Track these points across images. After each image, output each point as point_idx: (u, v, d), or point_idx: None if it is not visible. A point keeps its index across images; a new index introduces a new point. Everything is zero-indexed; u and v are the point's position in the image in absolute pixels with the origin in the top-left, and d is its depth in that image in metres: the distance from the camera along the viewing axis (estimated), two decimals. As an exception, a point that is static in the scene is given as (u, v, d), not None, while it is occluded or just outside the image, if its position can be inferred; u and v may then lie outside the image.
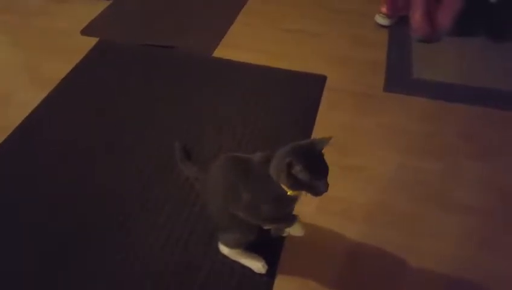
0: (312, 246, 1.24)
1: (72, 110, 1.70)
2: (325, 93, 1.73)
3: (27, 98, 1.75)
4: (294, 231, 1.08)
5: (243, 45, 2.00)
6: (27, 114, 1.67)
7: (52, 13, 2.25)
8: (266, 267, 1.17)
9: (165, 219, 1.31)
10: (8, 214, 1.35)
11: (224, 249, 1.18)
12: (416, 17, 2.06)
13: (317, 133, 1.56)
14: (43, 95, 1.75)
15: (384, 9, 2.05)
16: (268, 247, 1.20)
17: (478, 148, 1.49)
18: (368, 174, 1.43)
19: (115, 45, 2.01)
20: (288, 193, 0.92)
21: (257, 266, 1.16)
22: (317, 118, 1.63)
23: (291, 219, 1.06)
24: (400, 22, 2.07)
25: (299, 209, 1.05)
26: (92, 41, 2.03)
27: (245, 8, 2.23)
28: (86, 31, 2.09)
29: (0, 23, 2.21)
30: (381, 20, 2.07)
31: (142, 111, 1.67)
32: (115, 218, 1.31)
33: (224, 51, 1.97)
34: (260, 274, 1.17)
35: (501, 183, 1.38)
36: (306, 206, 1.23)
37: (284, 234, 1.23)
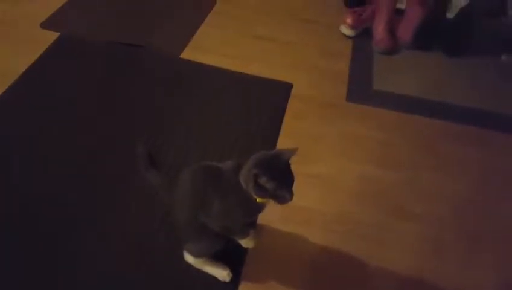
0: (276, 254, 1.27)
1: (29, 107, 1.62)
2: (291, 101, 1.76)
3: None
4: (246, 243, 1.13)
5: (211, 48, 1.99)
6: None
7: (10, 1, 2.13)
8: (231, 275, 1.18)
9: (131, 222, 1.28)
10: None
11: (189, 258, 1.18)
12: (379, 29, 2.16)
13: (282, 140, 1.59)
14: (-1, 89, 1.66)
15: (349, 20, 2.11)
16: (232, 255, 1.21)
17: (435, 159, 1.57)
18: (330, 183, 1.47)
19: (78, 40, 1.93)
20: (258, 200, 0.96)
21: (222, 274, 1.17)
22: (282, 125, 1.65)
23: (246, 231, 1.11)
24: (363, 33, 2.13)
25: (263, 217, 1.07)
26: (52, 35, 1.94)
27: (215, 9, 2.22)
28: (46, 24, 2.00)
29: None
30: (345, 30, 2.13)
31: (102, 111, 1.62)
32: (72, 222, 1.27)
33: (192, 53, 1.95)
34: (224, 282, 1.17)
35: (454, 193, 1.47)
36: (270, 215, 1.24)
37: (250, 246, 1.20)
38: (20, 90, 1.68)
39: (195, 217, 1.03)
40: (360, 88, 1.84)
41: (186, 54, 1.94)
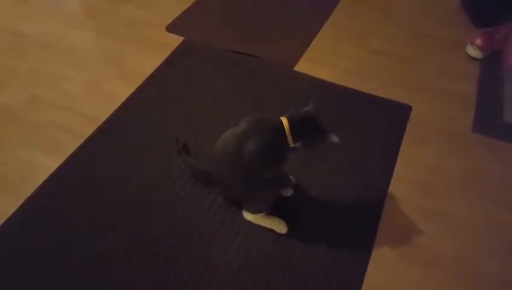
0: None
1: (159, 109, 1.73)
2: (409, 126, 1.67)
3: (114, 90, 1.80)
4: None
5: (325, 60, 1.96)
6: (116, 108, 1.72)
7: (138, 3, 2.29)
8: (287, 227, 1.31)
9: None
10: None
11: (248, 216, 1.33)
12: (514, 54, 1.89)
13: (399, 169, 1.52)
14: (129, 88, 1.80)
15: (478, 42, 1.94)
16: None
17: None
18: (451, 221, 1.37)
19: (200, 46, 2.02)
20: (291, 146, 1.14)
21: (279, 226, 1.31)
22: (400, 151, 1.57)
23: (288, 178, 1.40)
24: (492, 56, 1.96)
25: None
26: (177, 39, 2.05)
27: (330, 21, 2.18)
28: (171, 28, 2.12)
29: (89, 7, 2.28)
30: (473, 52, 1.96)
31: (227, 119, 1.68)
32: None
33: (307, 65, 1.94)
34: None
35: None
36: (388, 249, 1.20)
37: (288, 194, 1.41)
38: (151, 89, 1.81)
39: (241, 172, 1.18)
40: (489, 119, 1.69)
41: (301, 66, 1.93)
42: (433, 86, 1.84)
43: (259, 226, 1.34)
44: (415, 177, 1.49)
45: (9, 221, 1.37)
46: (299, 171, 1.48)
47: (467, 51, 1.98)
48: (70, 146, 1.57)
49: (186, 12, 2.23)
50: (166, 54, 1.97)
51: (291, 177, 1.43)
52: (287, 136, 1.14)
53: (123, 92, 1.79)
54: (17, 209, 1.40)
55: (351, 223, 1.36)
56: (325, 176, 1.49)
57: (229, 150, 1.20)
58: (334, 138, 1.16)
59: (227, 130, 1.25)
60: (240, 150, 1.16)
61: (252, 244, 1.31)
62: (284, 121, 1.15)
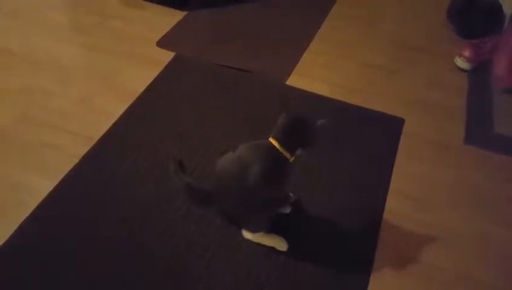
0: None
1: (152, 126, 1.71)
2: (402, 138, 1.70)
3: (106, 107, 1.78)
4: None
5: (316, 74, 1.98)
6: (109, 126, 1.70)
7: (127, 18, 2.28)
8: (287, 245, 1.32)
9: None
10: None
11: (247, 235, 1.33)
12: (502, 66, 1.97)
13: (394, 183, 1.53)
14: (122, 105, 1.78)
15: (466, 53, 1.99)
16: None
17: None
18: (447, 236, 1.39)
19: (192, 61, 2.02)
20: (290, 160, 1.17)
21: (280, 244, 1.32)
22: (394, 164, 1.60)
23: (288, 196, 1.41)
24: (479, 67, 2.00)
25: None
26: (168, 54, 2.05)
27: (319, 35, 2.21)
28: (162, 43, 2.11)
29: (79, 23, 2.25)
30: (461, 63, 2.01)
31: (220, 135, 1.68)
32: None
33: (298, 79, 1.95)
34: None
35: None
36: (383, 265, 1.21)
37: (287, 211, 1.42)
38: (144, 105, 1.79)
39: (242, 193, 1.18)
40: (480, 130, 1.73)
41: (292, 81, 1.95)
42: (422, 98, 1.88)
43: (259, 244, 1.34)
44: (410, 191, 1.51)
45: (4, 246, 1.33)
46: (297, 188, 1.48)
47: (456, 63, 2.03)
48: (64, 166, 1.55)
49: (177, 27, 2.23)
50: (157, 69, 1.96)
51: (290, 194, 1.43)
52: (283, 153, 1.17)
53: (115, 109, 1.77)
54: (12, 235, 1.36)
55: (350, 240, 1.37)
56: (322, 192, 1.50)
57: (230, 176, 1.21)
58: (322, 122, 1.19)
59: (226, 154, 1.26)
60: (242, 177, 1.18)
61: (252, 263, 1.31)
62: (273, 141, 1.18)
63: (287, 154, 1.18)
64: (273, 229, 1.34)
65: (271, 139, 1.19)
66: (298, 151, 1.20)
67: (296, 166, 1.24)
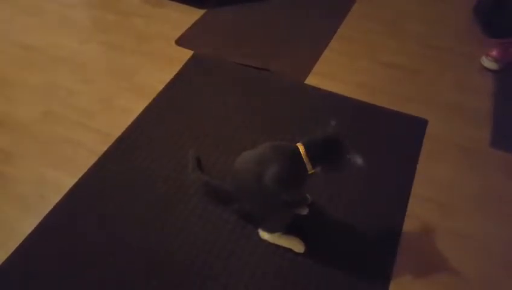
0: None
1: (171, 125, 1.71)
2: (425, 141, 1.65)
3: (126, 105, 1.79)
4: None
5: (335, 74, 1.94)
6: (129, 123, 1.71)
7: (147, 16, 2.28)
8: (304, 247, 1.30)
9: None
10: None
11: (264, 235, 1.32)
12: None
13: (417, 186, 1.49)
14: (141, 103, 1.79)
15: (494, 53, 1.92)
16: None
17: None
18: (471, 242, 1.35)
19: (210, 60, 2.01)
20: (309, 172, 1.14)
21: (297, 246, 1.30)
22: (417, 167, 1.55)
23: (305, 198, 1.39)
24: (506, 68, 1.93)
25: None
26: (186, 53, 2.04)
27: (338, 34, 2.16)
28: (181, 42, 2.11)
29: (100, 20, 2.27)
30: (488, 63, 1.94)
31: (239, 134, 1.67)
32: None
33: (317, 78, 1.92)
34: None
35: None
36: (408, 272, 1.17)
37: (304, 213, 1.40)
38: (164, 103, 1.80)
39: (260, 192, 1.16)
40: (507, 133, 1.67)
41: (311, 80, 1.92)
42: (447, 99, 1.82)
43: (276, 245, 1.32)
44: (433, 195, 1.47)
45: (27, 240, 1.35)
46: (315, 190, 1.46)
47: (482, 63, 1.96)
48: (85, 163, 1.56)
49: (195, 26, 2.22)
50: (176, 68, 1.96)
51: (307, 195, 1.41)
52: (305, 163, 1.14)
53: (135, 107, 1.78)
54: (35, 228, 1.38)
55: (369, 244, 1.34)
56: (341, 193, 1.47)
57: (248, 173, 1.20)
58: (358, 161, 1.13)
59: (246, 151, 1.25)
60: (260, 175, 1.16)
61: (269, 264, 1.29)
62: (301, 148, 1.15)
63: (309, 165, 1.14)
64: (290, 230, 1.32)
65: (299, 145, 1.16)
66: (319, 168, 1.17)
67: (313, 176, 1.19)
